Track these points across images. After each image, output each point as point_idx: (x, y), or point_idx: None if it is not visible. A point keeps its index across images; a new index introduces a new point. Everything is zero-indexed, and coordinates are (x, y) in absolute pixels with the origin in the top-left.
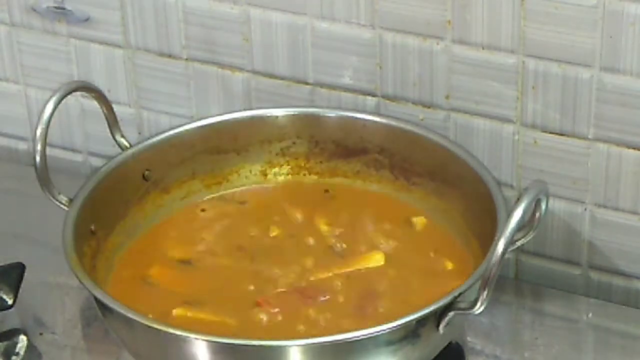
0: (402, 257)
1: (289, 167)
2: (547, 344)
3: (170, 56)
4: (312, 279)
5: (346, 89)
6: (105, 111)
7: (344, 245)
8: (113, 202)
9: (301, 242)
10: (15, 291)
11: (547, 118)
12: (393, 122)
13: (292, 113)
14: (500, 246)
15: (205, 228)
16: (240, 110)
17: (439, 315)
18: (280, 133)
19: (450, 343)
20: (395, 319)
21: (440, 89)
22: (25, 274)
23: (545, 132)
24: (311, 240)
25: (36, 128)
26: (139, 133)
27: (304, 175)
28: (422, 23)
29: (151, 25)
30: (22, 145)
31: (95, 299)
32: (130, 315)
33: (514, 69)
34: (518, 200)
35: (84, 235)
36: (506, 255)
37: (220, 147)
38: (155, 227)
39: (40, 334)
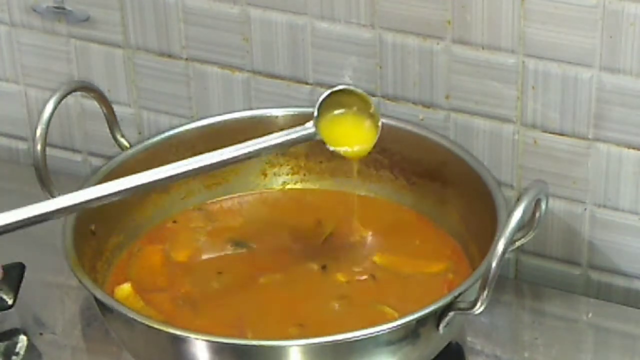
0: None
1: (289, 167)
2: (547, 344)
3: (170, 56)
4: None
5: None
6: (105, 111)
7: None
8: (113, 202)
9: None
10: (15, 291)
11: (547, 118)
12: (393, 122)
13: (292, 113)
14: (500, 246)
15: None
16: (240, 110)
17: (439, 315)
18: None
19: (450, 343)
20: (395, 319)
21: (440, 89)
22: (25, 274)
23: (545, 132)
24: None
25: (36, 128)
26: (139, 133)
27: (304, 175)
28: (422, 23)
29: (151, 25)
30: (22, 145)
31: (95, 299)
32: (130, 315)
33: (514, 69)
34: (518, 200)
35: (84, 235)
36: (506, 255)
37: (220, 147)
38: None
39: (40, 334)
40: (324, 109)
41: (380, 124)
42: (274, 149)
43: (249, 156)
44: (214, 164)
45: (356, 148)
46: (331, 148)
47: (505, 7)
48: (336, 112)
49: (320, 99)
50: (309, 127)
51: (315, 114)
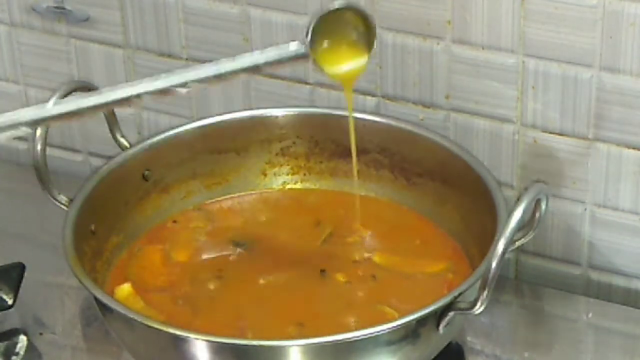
0: (400, 256)
1: (289, 167)
2: (547, 344)
3: (170, 56)
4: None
5: None
6: (105, 111)
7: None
8: (113, 202)
9: None
10: (15, 291)
11: (547, 118)
12: (393, 122)
13: (292, 113)
14: (500, 246)
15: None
16: (240, 110)
17: (439, 315)
18: (280, 133)
19: (450, 343)
20: (395, 319)
21: (440, 89)
22: (25, 274)
23: (545, 132)
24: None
25: (36, 128)
26: (139, 133)
27: (304, 175)
28: (422, 23)
29: (151, 25)
30: (22, 145)
31: (95, 299)
32: (130, 315)
33: (514, 69)
34: (518, 200)
35: (84, 235)
36: (506, 255)
37: (220, 147)
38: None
39: (40, 334)
40: (321, 27)
41: (375, 44)
42: (266, 65)
43: (244, 71)
44: (209, 77)
45: (348, 68)
46: (323, 68)
47: (505, 7)
48: (326, 43)
49: (313, 22)
50: (300, 48)
51: (309, 37)
